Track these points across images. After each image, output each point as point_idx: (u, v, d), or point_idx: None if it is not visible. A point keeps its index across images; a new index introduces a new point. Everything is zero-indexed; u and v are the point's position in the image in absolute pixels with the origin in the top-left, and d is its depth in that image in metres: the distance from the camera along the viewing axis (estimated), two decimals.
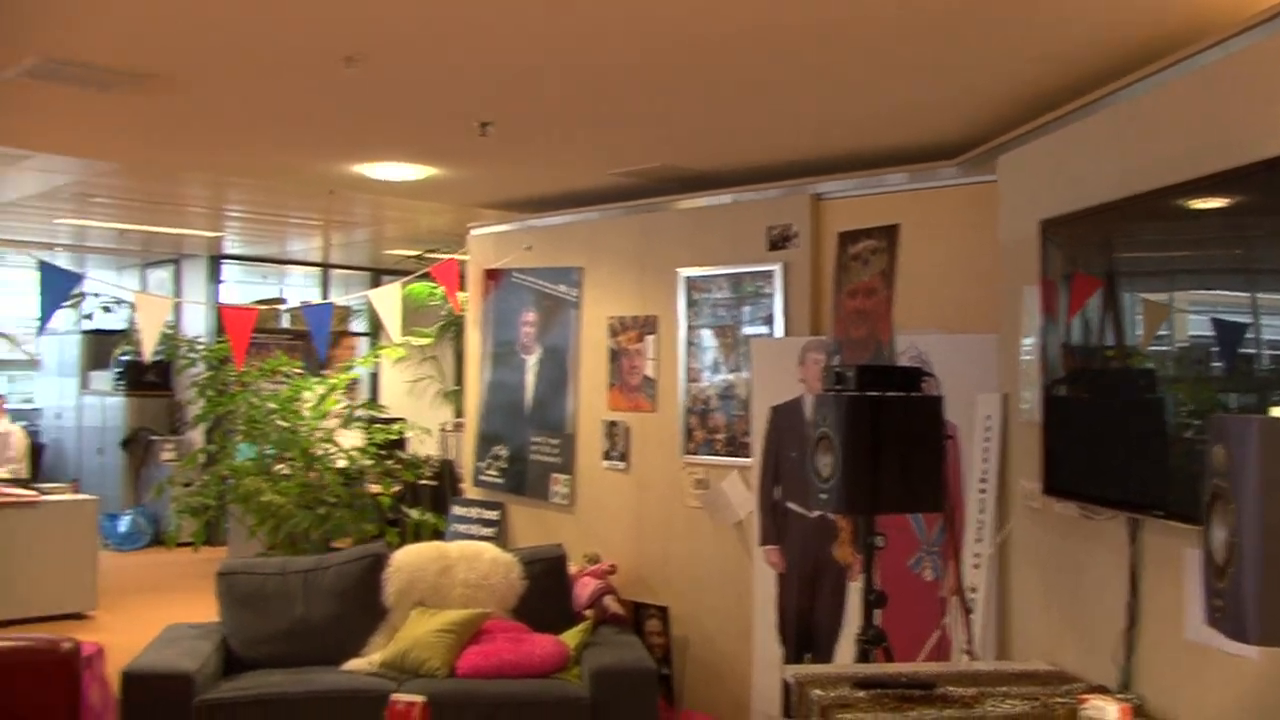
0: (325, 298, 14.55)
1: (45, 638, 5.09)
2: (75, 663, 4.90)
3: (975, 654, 5.08)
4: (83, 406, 14.73)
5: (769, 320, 6.48)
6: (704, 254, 6.85)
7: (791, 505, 6.14)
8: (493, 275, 8.16)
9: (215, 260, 14.16)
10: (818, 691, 3.97)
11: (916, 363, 5.39)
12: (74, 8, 4.26)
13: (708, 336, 6.81)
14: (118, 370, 14.12)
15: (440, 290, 9.19)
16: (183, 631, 6.10)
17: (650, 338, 7.13)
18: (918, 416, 4.55)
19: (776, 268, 6.44)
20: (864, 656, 4.61)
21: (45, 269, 6.23)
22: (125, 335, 14.23)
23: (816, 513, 5.89)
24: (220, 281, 14.33)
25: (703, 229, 6.91)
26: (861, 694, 3.94)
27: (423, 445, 10.99)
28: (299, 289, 16.31)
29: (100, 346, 14.59)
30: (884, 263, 5.92)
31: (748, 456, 6.43)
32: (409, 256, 12.67)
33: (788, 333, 6.38)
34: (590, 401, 7.47)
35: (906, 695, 3.93)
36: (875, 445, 4.46)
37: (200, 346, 10.92)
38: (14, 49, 4.76)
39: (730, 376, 6.67)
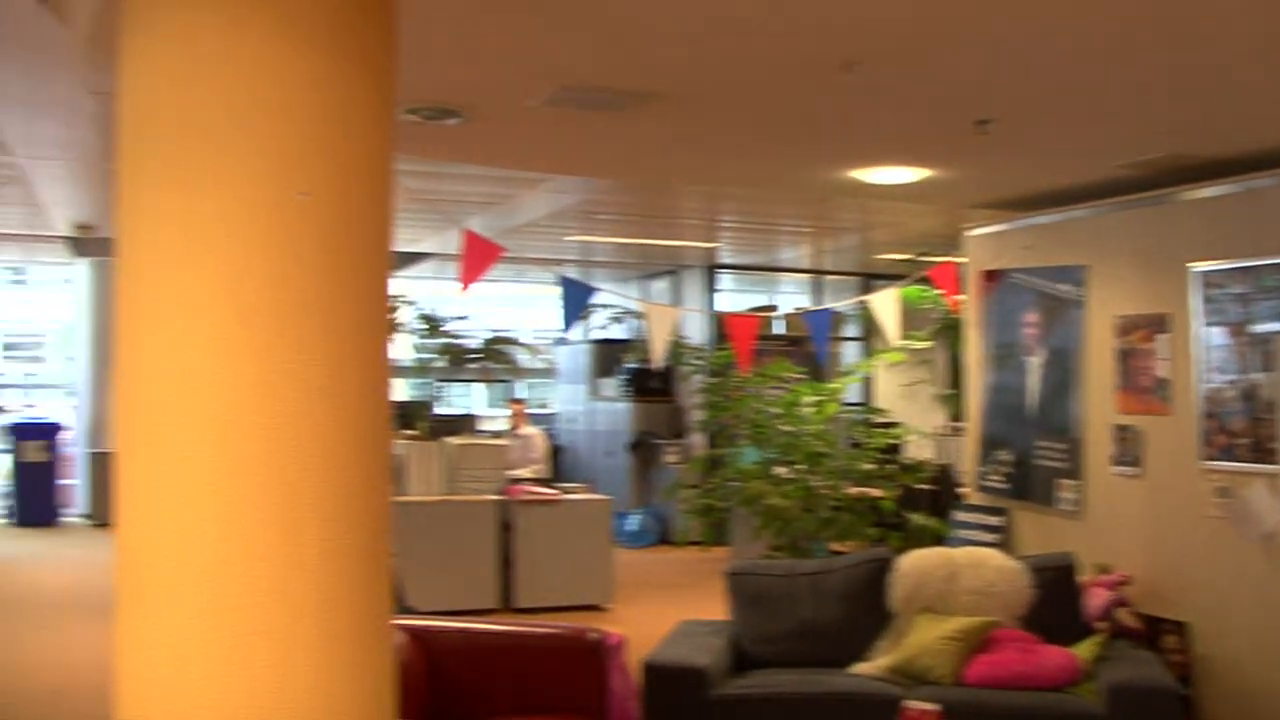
0: (817, 304, 14.72)
1: (574, 627, 5.42)
2: (601, 651, 5.18)
3: None
4: (592, 411, 15.62)
5: None
6: (1218, 247, 6.40)
7: None
8: (991, 276, 7.98)
9: (710, 270, 14.64)
10: None
11: None
12: (591, 36, 4.52)
13: (1220, 334, 6.37)
14: (623, 377, 14.88)
15: (933, 293, 9.09)
16: (695, 628, 6.31)
17: (1161, 337, 6.75)
18: None
19: None
20: None
21: (566, 283, 6.64)
22: (630, 344, 15.00)
23: None
24: (716, 290, 14.80)
25: (1215, 220, 6.46)
26: None
27: (919, 449, 10.91)
28: (788, 296, 16.59)
29: (607, 355, 15.44)
30: None
31: (1275, 463, 5.95)
32: (900, 260, 12.62)
33: None
34: (1098, 404, 7.15)
35: None
36: None
37: (705, 354, 11.34)
38: (537, 80, 5.11)
39: (1252, 377, 6.20)
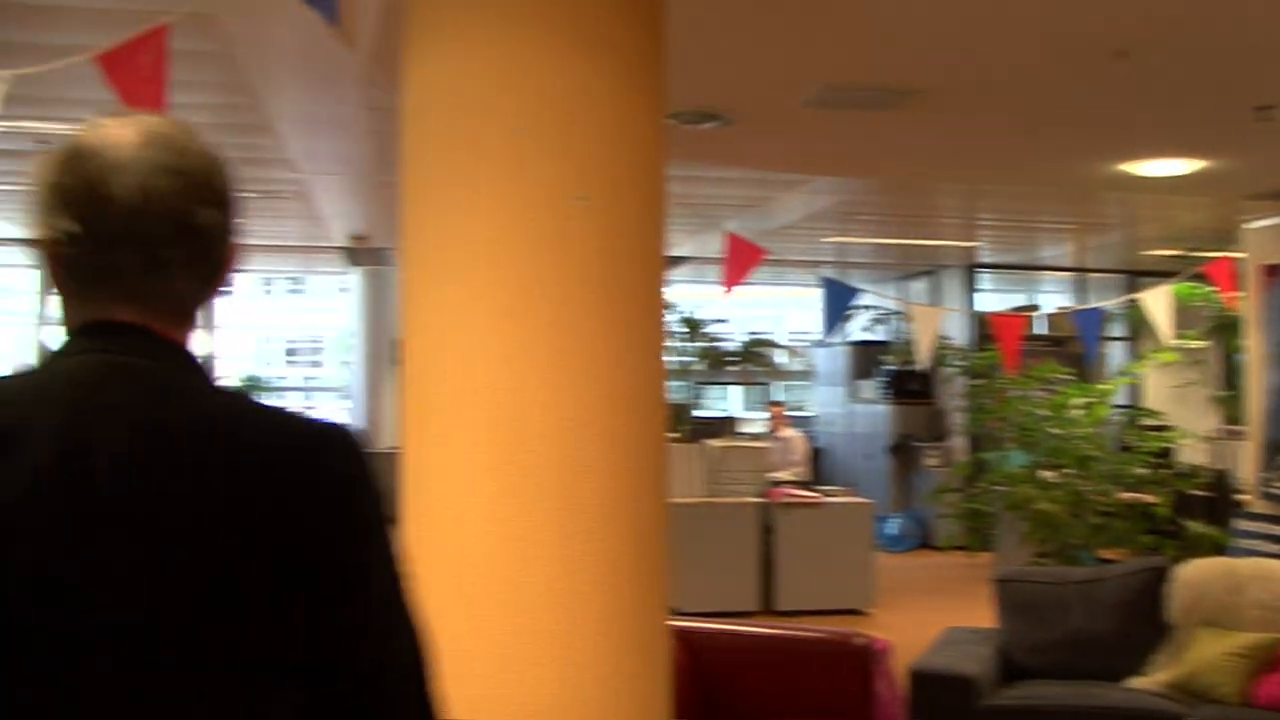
0: (1079, 303, 14.26)
1: (839, 631, 5.39)
2: (867, 657, 5.13)
3: None
4: (851, 414, 15.50)
5: None
6: None
7: None
8: (1273, 271, 7.59)
9: (969, 269, 14.35)
10: None
11: None
12: (859, 34, 4.50)
13: None
14: (882, 379, 14.71)
15: (1206, 289, 8.70)
16: (961, 635, 6.19)
17: None
18: None
19: None
20: None
21: (828, 285, 6.60)
22: (890, 346, 14.82)
23: None
24: (975, 290, 14.50)
25: None
26: None
27: (1193, 453, 10.44)
28: (1048, 295, 16.14)
29: (865, 357, 15.30)
30: None
31: None
32: (1168, 256, 12.12)
33: None
34: None
35: None
36: None
37: (970, 355, 11.13)
38: (802, 80, 5.12)
39: None
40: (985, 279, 14.86)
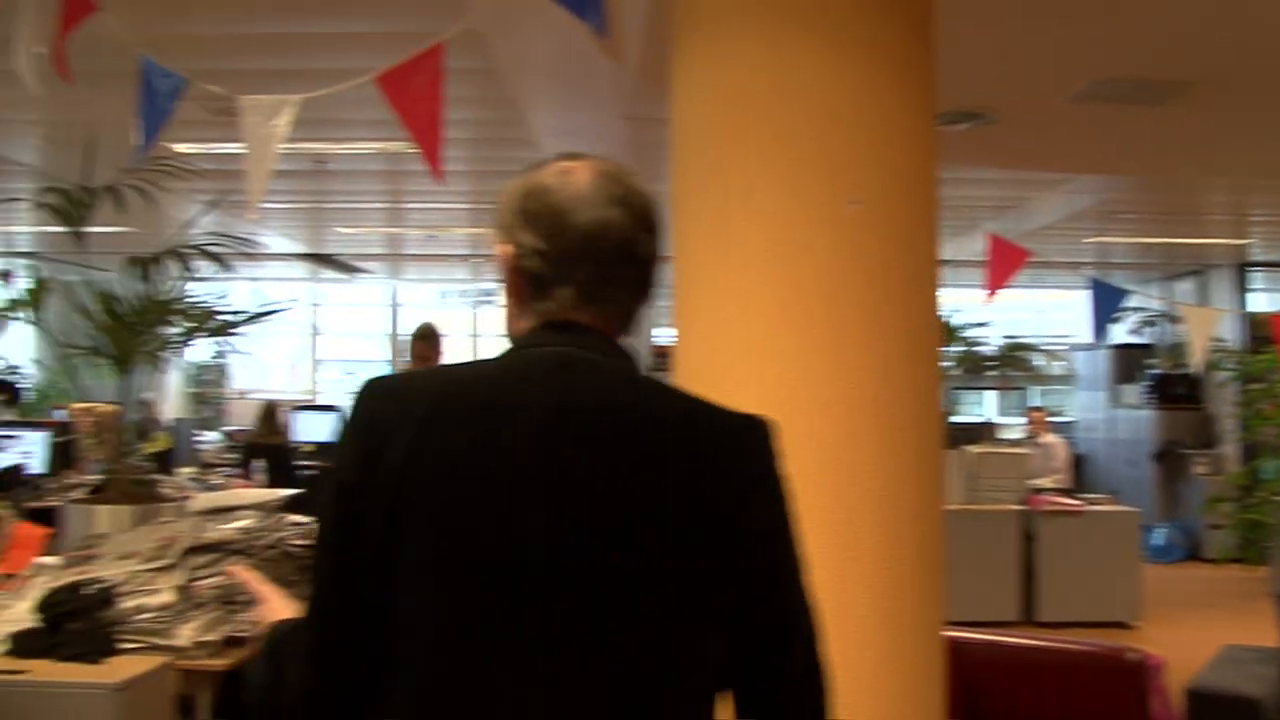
0: None
1: (1110, 645, 5.21)
2: (1141, 673, 4.95)
3: None
4: (1113, 419, 14.98)
5: None
6: None
7: None
8: None
9: (1240, 268, 13.73)
10: None
11: None
12: (1130, 27, 4.36)
13: None
14: (1146, 384, 14.18)
15: None
16: (1241, 654, 5.92)
17: None
18: None
19: None
20: None
21: (1096, 287, 6.40)
22: (1153, 349, 14.25)
23: None
24: (1247, 290, 13.85)
25: None
26: None
27: None
28: None
29: (1128, 361, 14.77)
30: None
31: None
32: None
33: None
34: None
35: None
36: None
37: (1246, 358, 10.65)
38: (1069, 75, 4.99)
39: None
40: (1257, 278, 14.18)
